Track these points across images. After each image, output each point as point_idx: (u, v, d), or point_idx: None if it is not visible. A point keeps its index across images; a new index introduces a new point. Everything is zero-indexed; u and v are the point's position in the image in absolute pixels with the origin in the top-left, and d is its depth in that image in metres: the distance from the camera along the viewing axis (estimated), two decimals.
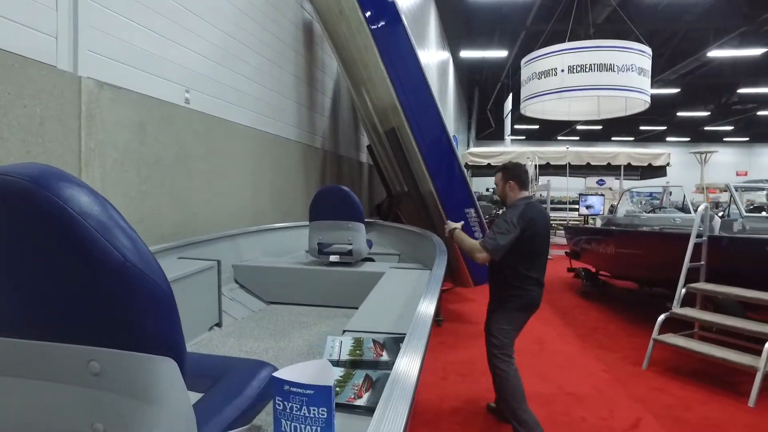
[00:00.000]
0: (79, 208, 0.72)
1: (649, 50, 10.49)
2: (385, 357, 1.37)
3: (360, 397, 1.13)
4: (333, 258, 3.79)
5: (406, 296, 2.26)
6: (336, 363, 1.35)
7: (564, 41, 10.95)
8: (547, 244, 2.94)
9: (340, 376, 1.26)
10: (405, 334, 1.52)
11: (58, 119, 2.45)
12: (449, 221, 3.12)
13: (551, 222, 12.85)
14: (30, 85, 2.30)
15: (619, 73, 9.77)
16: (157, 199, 3.25)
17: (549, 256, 10.07)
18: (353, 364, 1.34)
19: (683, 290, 4.25)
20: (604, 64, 9.79)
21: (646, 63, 10.35)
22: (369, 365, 1.34)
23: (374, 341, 1.49)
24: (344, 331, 1.66)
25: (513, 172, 2.92)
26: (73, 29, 2.52)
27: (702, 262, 4.36)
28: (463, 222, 3.12)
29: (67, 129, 2.50)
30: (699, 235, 4.32)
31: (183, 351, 0.77)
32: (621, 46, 10.07)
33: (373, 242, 4.48)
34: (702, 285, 4.27)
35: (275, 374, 0.84)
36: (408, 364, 1.15)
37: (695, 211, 6.61)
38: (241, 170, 4.32)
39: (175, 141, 3.43)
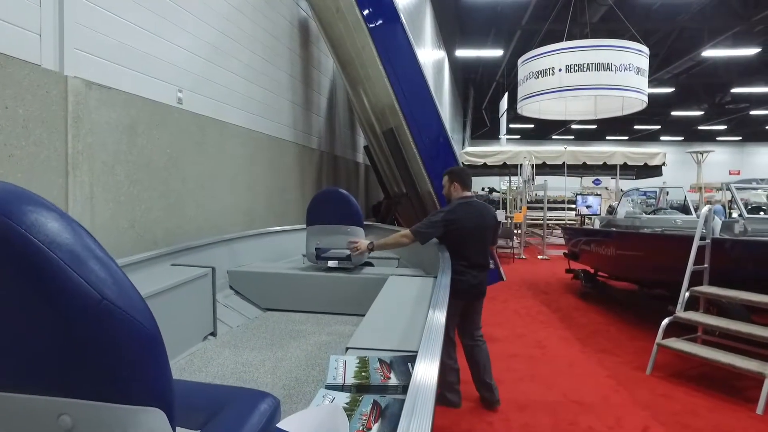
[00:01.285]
0: (46, 238, 0.59)
1: (646, 50, 10.45)
2: (393, 380, 1.27)
3: (369, 429, 1.03)
4: (331, 263, 3.68)
5: (411, 307, 2.16)
6: (341, 387, 1.25)
7: (559, 40, 10.89)
8: (481, 236, 3.25)
9: (346, 403, 1.16)
10: (413, 351, 1.42)
11: (42, 121, 2.33)
12: (360, 240, 3.38)
13: (548, 222, 12.84)
14: (12, 85, 2.18)
15: (617, 73, 9.72)
16: (148, 203, 3.13)
17: (546, 257, 9.93)
18: (359, 388, 1.24)
19: (687, 293, 4.18)
20: (602, 63, 9.73)
21: (644, 62, 10.31)
22: (376, 389, 1.24)
23: (381, 361, 1.39)
24: (347, 349, 1.56)
25: (458, 176, 3.35)
26: (58, 26, 2.40)
27: (705, 265, 4.29)
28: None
29: (52, 131, 2.38)
30: (702, 238, 4.25)
31: (171, 399, 0.66)
32: (619, 46, 10.02)
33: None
34: (706, 288, 4.20)
35: (281, 426, 0.73)
36: (423, 393, 1.05)
37: (695, 211, 6.56)
38: (235, 172, 4.20)
39: (168, 143, 3.32)
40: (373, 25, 4.71)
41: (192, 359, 2.65)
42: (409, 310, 2.11)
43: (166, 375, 0.66)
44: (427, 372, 1.16)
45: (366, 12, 4.63)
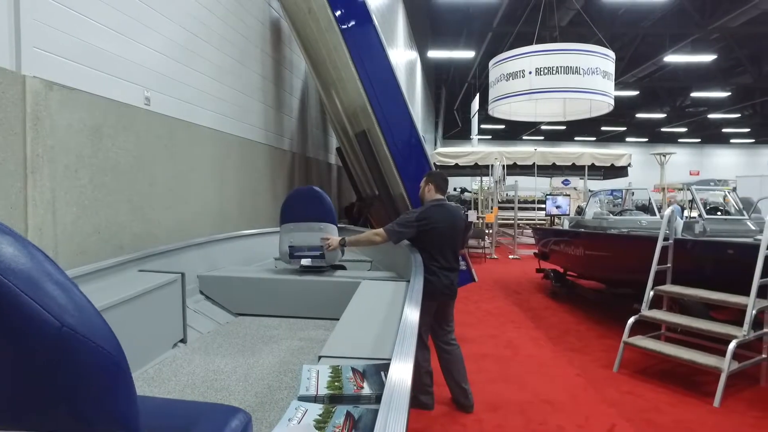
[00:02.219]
0: (0, 264, 0.56)
1: (612, 54, 10.74)
2: (366, 389, 1.27)
3: None
4: (305, 262, 3.63)
5: (384, 313, 2.16)
6: (314, 399, 1.23)
7: (529, 43, 11.10)
8: (452, 238, 3.29)
9: (319, 415, 1.15)
10: (387, 359, 1.42)
11: None
12: (332, 237, 3.43)
13: (518, 222, 13.05)
14: None
15: (584, 76, 9.97)
16: (115, 207, 3.04)
17: (517, 257, 10.09)
18: (332, 399, 1.24)
19: (651, 292, 4.32)
20: (570, 66, 9.96)
21: (610, 66, 10.60)
22: (350, 400, 1.23)
23: (354, 370, 1.38)
24: (320, 357, 1.55)
25: (434, 179, 3.43)
26: (14, 23, 2.30)
27: (668, 265, 4.45)
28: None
29: (9, 133, 2.28)
30: (665, 238, 4.41)
31: (137, 424, 0.64)
32: (586, 50, 10.28)
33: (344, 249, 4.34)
34: (668, 287, 4.35)
35: None
36: (396, 403, 1.05)
37: (659, 212, 6.79)
38: (205, 175, 4.12)
39: (135, 145, 3.22)
40: (345, 26, 4.70)
41: (161, 368, 2.58)
42: (382, 315, 2.11)
43: (131, 399, 0.64)
44: (400, 381, 1.16)
45: (338, 13, 4.61)
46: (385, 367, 1.31)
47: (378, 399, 1.17)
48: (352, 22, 4.76)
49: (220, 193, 4.35)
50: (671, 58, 17.00)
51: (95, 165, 2.86)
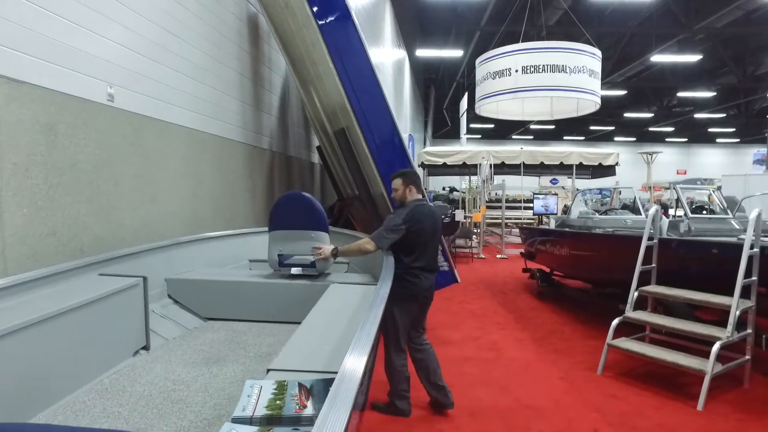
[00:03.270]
0: None
1: (599, 53, 10.72)
2: (309, 410, 1.15)
3: None
4: (295, 271, 3.51)
5: (347, 321, 2.04)
6: (249, 420, 1.11)
7: (517, 42, 11.04)
8: (434, 239, 3.24)
9: None
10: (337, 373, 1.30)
11: None
12: (323, 246, 3.30)
13: (506, 221, 13.02)
14: None
15: (571, 75, 9.92)
16: (72, 208, 2.89)
17: (505, 256, 10.02)
18: (270, 420, 1.11)
19: (636, 293, 4.25)
20: (557, 65, 9.91)
21: (597, 65, 10.57)
22: (289, 422, 1.11)
23: (300, 386, 1.26)
24: (268, 371, 1.42)
25: (412, 178, 3.28)
26: None
27: (653, 265, 4.38)
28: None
29: None
30: (650, 238, 4.33)
31: None
32: (573, 48, 10.24)
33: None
34: (653, 288, 4.28)
35: None
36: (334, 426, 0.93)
37: (645, 211, 6.73)
38: (177, 175, 3.97)
39: (96, 143, 3.07)
40: (323, 22, 4.57)
41: (118, 377, 2.44)
42: (344, 323, 1.98)
43: None
44: (342, 397, 1.04)
45: (316, 8, 4.48)
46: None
47: None
48: (330, 18, 4.64)
49: (193, 194, 4.21)
50: (658, 58, 17.07)
51: (50, 163, 2.70)
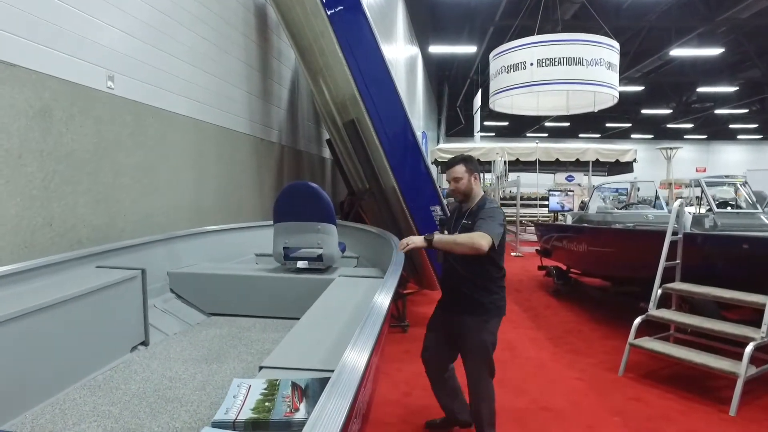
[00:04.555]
0: None
1: (617, 45, 10.41)
2: (301, 413, 1.00)
3: None
4: (301, 264, 3.36)
5: (350, 315, 1.89)
6: (231, 425, 0.97)
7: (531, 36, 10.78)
8: None
9: None
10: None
11: None
12: (411, 237, 2.54)
13: (521, 219, 12.77)
14: None
15: (588, 68, 9.64)
16: (70, 198, 2.78)
17: (519, 254, 9.84)
18: (255, 425, 0.97)
19: (659, 291, 4.03)
20: (573, 57, 9.63)
21: (615, 58, 10.26)
22: (277, 427, 0.96)
23: (294, 385, 1.11)
24: (260, 368, 1.28)
25: (476, 164, 2.66)
26: None
27: (677, 261, 4.15)
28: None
29: None
30: (674, 233, 4.11)
31: None
32: (590, 40, 9.94)
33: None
34: (678, 285, 4.06)
35: None
36: None
37: (667, 206, 6.48)
38: (179, 166, 3.86)
39: (95, 131, 2.96)
40: (333, 10, 4.42)
41: (113, 374, 2.32)
42: (347, 318, 1.83)
43: None
44: (336, 402, 0.89)
45: None
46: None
47: None
48: (340, 7, 4.48)
49: (197, 185, 4.09)
50: (677, 52, 16.59)
51: (45, 151, 2.60)
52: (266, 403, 1.04)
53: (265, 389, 1.10)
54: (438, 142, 27.34)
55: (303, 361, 1.28)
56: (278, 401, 1.05)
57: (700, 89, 22.47)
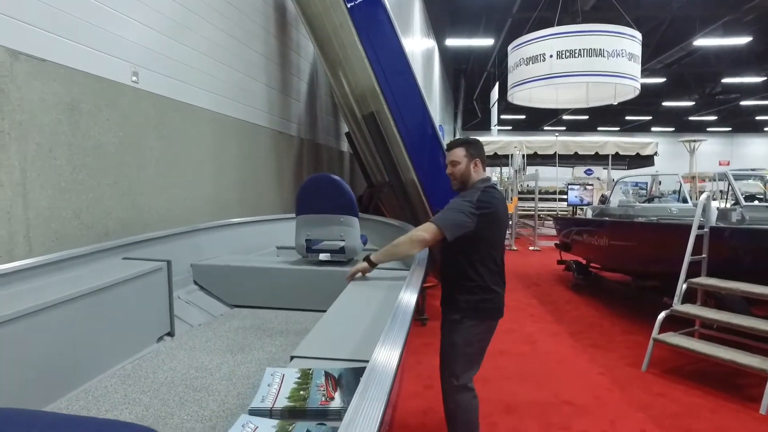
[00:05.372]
0: None
1: (639, 35, 10.18)
2: (336, 402, 1.00)
3: None
4: (323, 257, 3.37)
5: (377, 307, 1.89)
6: (268, 413, 0.98)
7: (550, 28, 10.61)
8: (504, 234, 2.47)
9: None
10: (367, 362, 1.15)
11: None
12: (353, 269, 2.40)
13: (539, 213, 12.64)
14: None
15: (609, 59, 9.45)
16: (97, 191, 2.83)
17: (537, 248, 9.73)
18: (292, 413, 0.98)
19: (684, 285, 3.96)
20: (594, 49, 9.45)
21: (636, 48, 10.05)
22: (313, 415, 0.97)
23: (327, 375, 1.12)
24: (292, 358, 1.29)
25: (479, 150, 2.37)
26: None
27: (703, 255, 4.07)
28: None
29: None
30: (700, 226, 4.03)
31: None
32: (611, 31, 9.75)
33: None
34: (705, 280, 3.98)
35: None
36: (364, 421, 0.79)
37: (691, 199, 6.34)
38: (201, 159, 3.90)
39: (120, 125, 3.01)
40: (352, 3, 4.41)
41: (141, 363, 2.37)
42: (373, 310, 1.83)
43: None
44: (374, 391, 0.89)
45: None
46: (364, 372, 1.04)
47: None
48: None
49: (217, 178, 4.13)
50: (701, 42, 16.16)
51: (74, 145, 2.64)
52: (301, 392, 1.05)
53: (298, 378, 1.11)
54: (454, 135, 27.18)
55: (334, 351, 1.29)
56: (313, 390, 1.05)
57: (725, 80, 21.88)
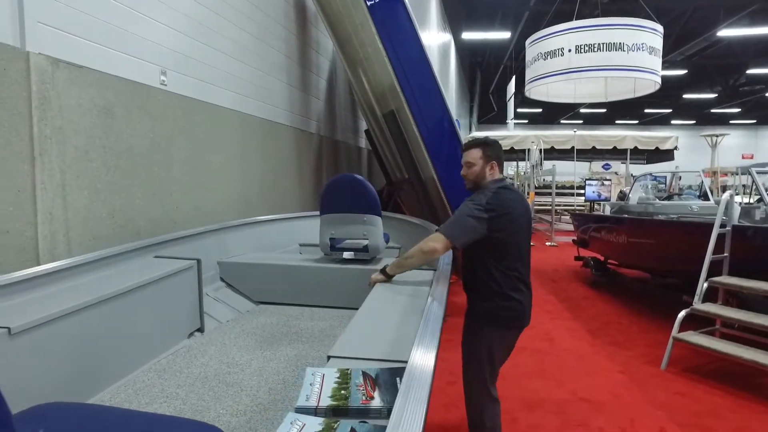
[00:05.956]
0: None
1: (660, 28, 10.01)
2: (376, 401, 1.07)
3: None
4: (347, 255, 3.45)
5: (407, 306, 1.95)
6: (314, 411, 1.05)
7: (568, 22, 10.49)
8: (527, 237, 2.30)
9: None
10: (404, 363, 1.21)
11: (0, 102, 2.12)
12: (371, 277, 2.42)
13: (556, 208, 12.57)
14: None
15: (629, 53, 9.33)
16: (129, 191, 2.93)
17: (554, 243, 9.66)
18: (336, 411, 1.04)
19: (705, 284, 3.94)
20: (614, 43, 9.34)
21: (658, 42, 9.89)
22: (356, 413, 1.04)
23: (365, 375, 1.19)
24: (329, 358, 1.36)
25: (496, 152, 2.26)
26: None
27: (725, 254, 4.05)
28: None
29: (13, 113, 2.17)
30: (722, 225, 4.00)
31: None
32: (632, 24, 9.60)
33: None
34: (726, 279, 3.96)
35: None
36: (409, 420, 0.85)
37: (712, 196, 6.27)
38: (226, 158, 3.99)
39: (150, 127, 3.11)
40: (372, 1, 4.45)
41: (175, 358, 2.47)
42: (403, 308, 1.90)
43: None
44: (416, 392, 0.96)
45: None
46: (401, 373, 1.11)
47: (389, 413, 0.97)
48: None
49: (242, 177, 4.23)
50: (726, 33, 15.78)
51: (108, 147, 2.75)
52: (342, 391, 1.11)
53: (338, 378, 1.18)
54: (470, 129, 27.03)
55: (369, 352, 1.35)
56: (353, 389, 1.12)
57: (750, 71, 21.35)
